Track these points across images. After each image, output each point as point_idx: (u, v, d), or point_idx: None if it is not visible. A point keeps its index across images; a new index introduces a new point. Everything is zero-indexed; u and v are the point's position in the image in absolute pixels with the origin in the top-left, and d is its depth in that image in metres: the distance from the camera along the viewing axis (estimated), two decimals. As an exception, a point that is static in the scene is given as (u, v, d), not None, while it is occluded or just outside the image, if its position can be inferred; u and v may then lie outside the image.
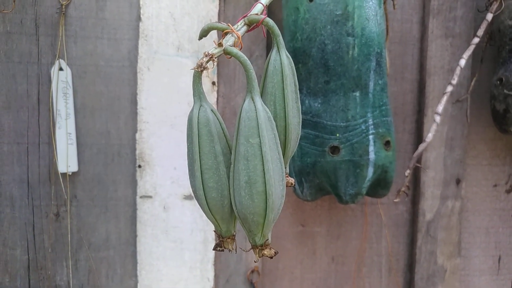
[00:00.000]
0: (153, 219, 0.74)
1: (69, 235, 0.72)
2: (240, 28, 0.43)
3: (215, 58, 0.39)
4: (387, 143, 0.69)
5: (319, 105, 0.67)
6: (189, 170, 0.42)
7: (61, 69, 0.70)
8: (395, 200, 0.69)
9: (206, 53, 0.38)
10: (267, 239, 0.41)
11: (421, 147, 0.70)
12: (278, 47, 0.44)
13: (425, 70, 0.83)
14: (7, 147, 0.70)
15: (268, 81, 0.44)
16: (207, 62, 0.38)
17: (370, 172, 0.67)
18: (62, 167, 0.70)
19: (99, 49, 0.72)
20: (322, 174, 0.68)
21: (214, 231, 0.43)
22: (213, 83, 0.73)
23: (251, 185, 0.39)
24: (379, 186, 0.71)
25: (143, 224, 0.74)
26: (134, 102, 0.73)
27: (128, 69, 0.72)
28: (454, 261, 0.86)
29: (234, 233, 0.44)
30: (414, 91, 0.84)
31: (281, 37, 0.44)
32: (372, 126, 0.67)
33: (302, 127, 0.68)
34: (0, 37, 0.69)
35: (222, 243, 0.43)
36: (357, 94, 0.66)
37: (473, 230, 0.88)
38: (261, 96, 0.45)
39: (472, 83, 0.82)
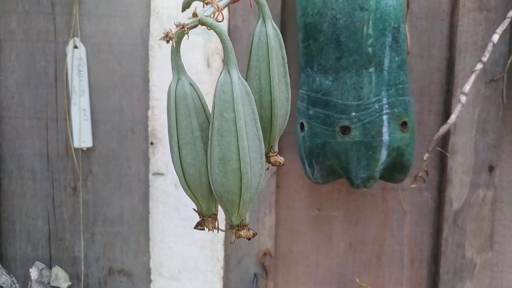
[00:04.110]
0: (165, 196, 0.75)
1: (81, 209, 0.74)
2: (223, -2, 0.41)
3: (187, 28, 0.37)
4: (404, 124, 0.65)
5: (330, 83, 0.64)
6: (170, 146, 0.41)
7: (75, 47, 0.71)
8: (411, 186, 0.65)
9: (177, 23, 0.37)
10: (243, 219, 0.39)
11: (442, 129, 0.65)
12: (263, 18, 0.42)
13: (455, 46, 0.76)
14: (28, 122, 0.73)
15: (253, 54, 0.42)
16: (176, 32, 0.36)
17: (383, 154, 0.64)
18: (76, 143, 0.72)
19: (112, 27, 0.72)
20: (333, 156, 0.65)
21: (194, 209, 0.42)
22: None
23: (225, 162, 0.38)
24: (395, 170, 0.67)
25: (155, 201, 0.75)
26: (146, 80, 0.73)
27: (140, 47, 0.72)
28: (485, 255, 0.80)
29: (215, 212, 0.43)
30: (442, 69, 0.78)
31: (267, 7, 0.42)
32: (386, 106, 0.63)
33: (312, 106, 0.65)
34: (19, 16, 0.71)
35: (203, 222, 0.42)
36: (371, 71, 0.63)
37: (508, 222, 0.82)
38: (247, 70, 0.43)
39: (509, 61, 0.75)
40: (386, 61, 0.63)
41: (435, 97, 0.79)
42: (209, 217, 0.42)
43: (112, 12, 0.72)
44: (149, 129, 0.74)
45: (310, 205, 0.80)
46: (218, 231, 0.43)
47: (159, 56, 0.72)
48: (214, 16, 0.40)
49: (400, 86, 0.64)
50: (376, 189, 0.80)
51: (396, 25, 0.63)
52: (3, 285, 0.69)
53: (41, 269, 0.72)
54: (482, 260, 0.80)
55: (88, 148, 0.73)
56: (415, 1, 0.77)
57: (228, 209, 0.39)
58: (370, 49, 0.62)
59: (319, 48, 0.64)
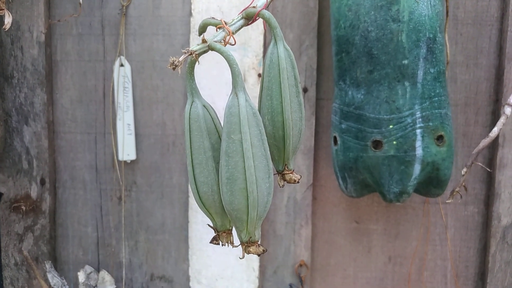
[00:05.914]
0: (203, 207, 0.77)
1: (123, 218, 0.79)
2: (235, 22, 0.42)
3: (196, 55, 0.39)
4: (440, 138, 0.62)
5: (362, 97, 0.63)
6: (187, 164, 0.43)
7: (122, 65, 0.76)
8: (447, 201, 0.62)
9: (186, 50, 0.39)
10: (252, 237, 0.40)
11: (483, 143, 0.62)
12: (275, 40, 0.43)
13: (504, 54, 0.72)
14: (80, 136, 0.79)
15: (265, 76, 0.43)
16: (184, 59, 0.38)
17: (416, 169, 0.62)
18: (121, 156, 0.77)
19: (155, 45, 0.76)
20: (365, 170, 0.64)
21: (209, 225, 0.44)
22: (259, 75, 0.73)
23: (232, 182, 0.39)
24: (431, 185, 0.65)
25: (195, 211, 0.78)
26: (186, 95, 0.76)
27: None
28: (541, 274, 0.75)
29: (230, 228, 0.44)
30: (490, 78, 0.74)
31: (278, 29, 0.42)
32: (420, 119, 0.61)
33: (344, 120, 0.65)
34: (74, 39, 0.78)
35: (218, 236, 0.44)
36: (403, 84, 0.61)
37: None
38: (260, 91, 0.44)
39: None
40: (420, 73, 0.61)
41: (483, 108, 0.75)
42: (224, 232, 0.44)
43: (155, 30, 0.76)
44: (188, 142, 0.77)
45: (348, 217, 0.79)
46: (232, 245, 0.44)
47: (198, 72, 0.75)
48: (226, 40, 0.42)
49: (436, 98, 0.62)
50: (417, 203, 0.77)
51: (431, 36, 0.61)
52: (54, 287, 0.75)
53: (89, 273, 0.77)
54: (537, 280, 0.75)
55: (132, 161, 0.78)
56: (461, 7, 0.74)
57: (237, 226, 0.41)
58: (403, 62, 0.60)
59: (351, 61, 0.63)
